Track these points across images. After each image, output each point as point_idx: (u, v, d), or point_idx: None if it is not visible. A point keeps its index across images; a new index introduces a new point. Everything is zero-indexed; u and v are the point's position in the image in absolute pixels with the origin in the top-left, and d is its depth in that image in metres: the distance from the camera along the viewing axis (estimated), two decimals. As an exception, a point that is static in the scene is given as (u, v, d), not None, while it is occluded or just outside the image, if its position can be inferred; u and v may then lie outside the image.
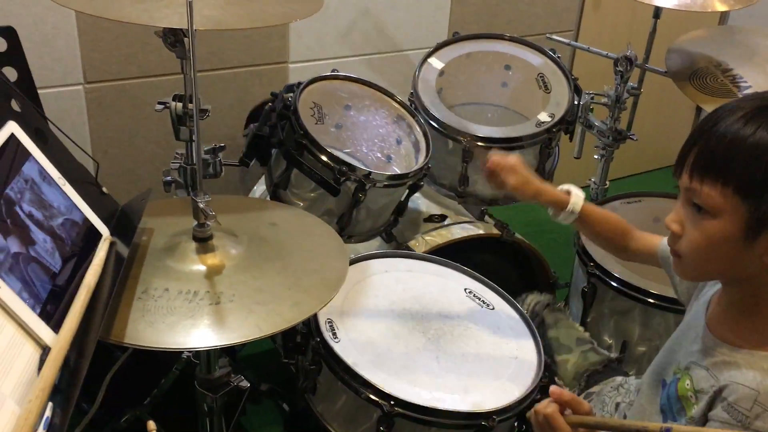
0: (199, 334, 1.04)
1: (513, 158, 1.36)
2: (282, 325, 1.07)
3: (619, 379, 1.47)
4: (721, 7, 2.07)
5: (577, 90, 2.04)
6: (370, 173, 1.66)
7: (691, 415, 1.04)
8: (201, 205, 1.14)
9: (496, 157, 1.36)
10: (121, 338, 1.02)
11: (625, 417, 1.29)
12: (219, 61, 2.31)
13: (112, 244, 1.14)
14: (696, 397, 1.04)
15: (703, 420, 1.02)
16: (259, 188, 2.10)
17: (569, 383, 1.53)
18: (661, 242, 1.30)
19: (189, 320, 1.06)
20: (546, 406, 1.05)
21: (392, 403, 1.31)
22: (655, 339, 1.82)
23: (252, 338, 1.05)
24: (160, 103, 1.58)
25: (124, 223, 1.20)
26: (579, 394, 1.49)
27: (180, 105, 1.55)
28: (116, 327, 1.03)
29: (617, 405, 1.38)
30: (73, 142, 1.26)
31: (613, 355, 1.59)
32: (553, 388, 1.07)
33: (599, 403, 1.41)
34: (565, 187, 1.37)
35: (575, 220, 1.35)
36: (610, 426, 1.02)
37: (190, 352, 1.54)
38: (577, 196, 1.34)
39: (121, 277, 1.10)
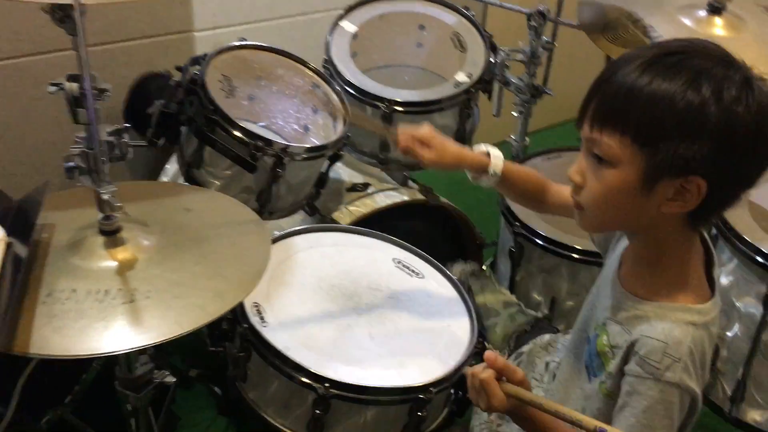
0: (113, 337, 0.97)
1: (424, 129, 1.30)
2: (204, 319, 1.01)
3: (547, 337, 1.48)
4: (629, -43, 2.07)
5: (492, 48, 2.02)
6: (287, 147, 1.59)
7: (609, 370, 1.06)
8: (105, 197, 1.05)
9: (407, 130, 1.30)
10: (26, 349, 0.93)
11: (554, 377, 1.29)
12: (119, 33, 2.18)
13: (8, 246, 1.04)
14: (613, 353, 1.06)
15: (619, 376, 1.04)
16: (173, 167, 2.00)
17: (499, 346, 1.53)
18: None
19: (101, 323, 0.98)
20: (482, 371, 1.05)
21: (327, 385, 1.27)
22: (583, 293, 1.82)
23: (172, 336, 0.98)
24: (53, 84, 1.46)
25: (20, 221, 1.10)
26: (509, 356, 1.50)
27: (76, 86, 1.44)
28: (20, 337, 0.95)
29: (547, 364, 1.38)
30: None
31: (540, 314, 1.60)
32: (487, 353, 1.06)
33: (529, 364, 1.41)
34: (483, 148, 1.32)
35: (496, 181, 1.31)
36: (544, 407, 1.01)
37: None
38: (496, 157, 1.30)
39: (22, 281, 1.01)
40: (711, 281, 1.06)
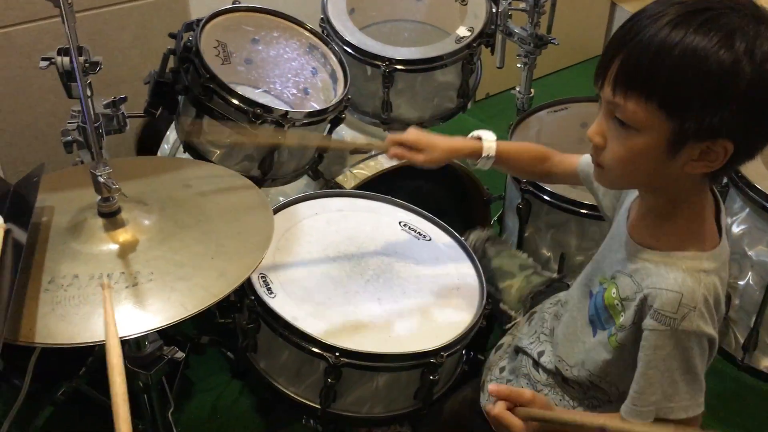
0: (118, 323, 0.96)
1: (410, 133, 1.35)
2: (209, 300, 1.00)
3: (561, 295, 1.47)
4: None
5: (494, -2, 1.96)
6: (286, 113, 1.55)
7: (620, 323, 1.06)
8: (102, 179, 1.03)
9: (395, 138, 1.36)
10: (31, 338, 0.93)
11: (553, 330, 1.29)
12: (110, -4, 2.13)
13: (7, 233, 1.02)
14: (622, 305, 1.06)
15: (633, 328, 1.04)
16: (173, 134, 1.97)
17: (514, 306, 1.52)
18: (580, 161, 1.30)
19: (105, 308, 0.97)
20: (493, 407, 1.07)
21: (337, 354, 1.26)
22: (592, 248, 1.81)
23: (178, 319, 0.97)
24: (44, 59, 1.42)
25: (18, 206, 1.08)
26: (524, 315, 1.49)
27: (67, 59, 1.40)
28: (24, 326, 0.94)
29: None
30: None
31: (556, 275, 1.59)
32: (490, 387, 1.08)
33: (539, 320, 1.40)
34: (475, 133, 1.38)
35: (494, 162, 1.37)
36: (558, 420, 1.04)
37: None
38: (488, 141, 1.35)
39: (23, 268, 0.99)
40: (719, 228, 1.05)
